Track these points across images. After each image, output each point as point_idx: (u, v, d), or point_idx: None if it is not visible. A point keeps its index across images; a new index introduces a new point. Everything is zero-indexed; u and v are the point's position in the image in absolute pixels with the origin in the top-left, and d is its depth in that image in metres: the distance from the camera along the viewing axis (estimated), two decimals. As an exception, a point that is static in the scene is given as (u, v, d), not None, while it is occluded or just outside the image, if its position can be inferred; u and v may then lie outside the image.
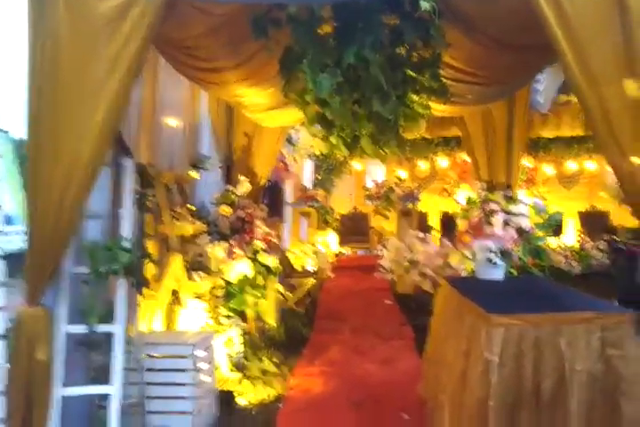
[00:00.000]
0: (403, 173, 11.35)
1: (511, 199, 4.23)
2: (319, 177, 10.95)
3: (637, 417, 2.16)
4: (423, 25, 2.63)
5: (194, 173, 4.50)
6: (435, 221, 10.92)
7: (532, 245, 4.31)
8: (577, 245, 9.16)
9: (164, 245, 3.85)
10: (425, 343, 3.57)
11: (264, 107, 4.17)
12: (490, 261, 3.45)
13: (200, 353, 3.16)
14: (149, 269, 3.52)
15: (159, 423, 2.99)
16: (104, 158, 2.18)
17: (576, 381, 2.21)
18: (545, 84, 5.76)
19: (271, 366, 4.15)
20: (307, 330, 5.38)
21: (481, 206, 4.01)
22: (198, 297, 4.01)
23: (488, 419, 2.19)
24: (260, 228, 4.70)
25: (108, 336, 2.56)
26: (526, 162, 9.94)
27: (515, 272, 4.10)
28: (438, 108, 4.03)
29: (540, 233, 4.36)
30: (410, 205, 9.68)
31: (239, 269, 4.39)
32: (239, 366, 4.11)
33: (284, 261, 6.45)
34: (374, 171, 11.97)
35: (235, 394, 3.59)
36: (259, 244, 4.66)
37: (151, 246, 3.51)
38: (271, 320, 5.04)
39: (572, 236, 10.22)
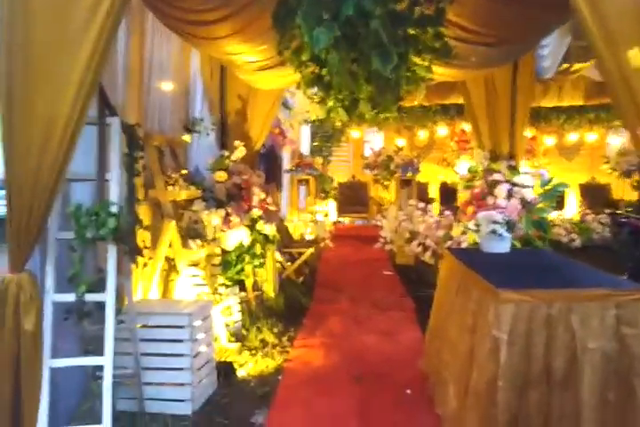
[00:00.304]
0: (401, 142, 11.13)
1: (515, 169, 4.08)
2: (316, 144, 10.63)
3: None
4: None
5: (186, 137, 4.32)
6: (434, 192, 10.80)
7: (536, 216, 4.18)
8: (577, 217, 9.09)
9: (158, 211, 3.72)
10: (428, 316, 3.49)
11: (257, 66, 3.94)
12: (495, 232, 3.33)
13: (197, 323, 3.08)
14: (143, 237, 3.40)
15: (157, 395, 2.93)
16: (85, 117, 1.99)
17: (588, 360, 2.12)
18: (551, 49, 5.49)
19: (271, 337, 4.09)
20: (306, 300, 5.31)
21: (484, 176, 3.86)
22: (194, 265, 3.90)
23: (497, 399, 2.11)
24: (258, 195, 4.55)
25: (102, 306, 2.45)
26: (527, 132, 9.73)
27: (518, 244, 3.99)
28: (440, 72, 3.84)
29: (544, 204, 4.23)
30: (409, 175, 9.52)
31: (236, 237, 4.27)
32: (238, 337, 4.05)
33: (283, 230, 6.33)
34: (373, 139, 11.75)
35: (234, 366, 3.53)
36: (256, 212, 4.52)
37: (143, 212, 3.37)
38: (270, 290, 4.96)
39: (573, 208, 10.13)
